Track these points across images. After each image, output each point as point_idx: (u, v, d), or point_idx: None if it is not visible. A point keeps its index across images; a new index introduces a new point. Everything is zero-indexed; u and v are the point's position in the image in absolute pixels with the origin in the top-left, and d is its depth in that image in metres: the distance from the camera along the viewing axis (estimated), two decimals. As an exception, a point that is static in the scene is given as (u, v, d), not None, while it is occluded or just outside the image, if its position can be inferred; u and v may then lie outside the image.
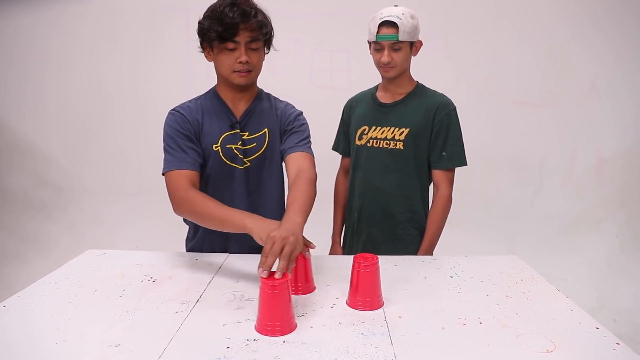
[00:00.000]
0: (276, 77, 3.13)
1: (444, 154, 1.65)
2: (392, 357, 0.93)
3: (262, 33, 1.36)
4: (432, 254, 1.66)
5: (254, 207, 1.43)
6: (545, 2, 3.02)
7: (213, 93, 1.48)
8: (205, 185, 1.44)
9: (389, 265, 1.42)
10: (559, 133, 3.15)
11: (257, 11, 1.35)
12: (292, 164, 1.43)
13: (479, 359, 0.94)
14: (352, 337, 1.02)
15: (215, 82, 1.50)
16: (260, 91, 1.53)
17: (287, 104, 1.57)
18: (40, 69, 3.31)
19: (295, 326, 1.05)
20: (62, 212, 3.45)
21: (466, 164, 1.67)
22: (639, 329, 2.56)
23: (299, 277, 1.20)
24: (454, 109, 1.66)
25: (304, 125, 1.53)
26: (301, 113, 1.56)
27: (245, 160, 1.46)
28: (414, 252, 1.67)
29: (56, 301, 1.19)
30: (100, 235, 3.29)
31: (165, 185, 1.37)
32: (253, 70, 1.39)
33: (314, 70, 3.12)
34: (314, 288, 1.23)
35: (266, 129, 1.48)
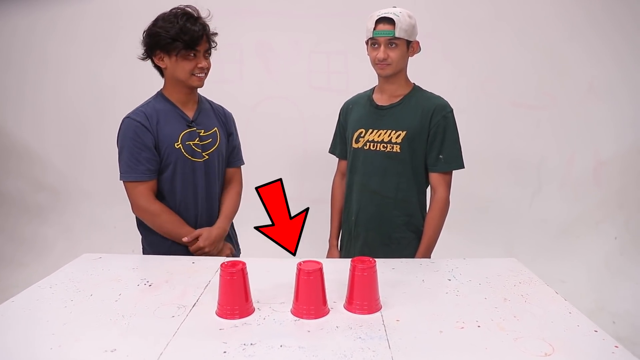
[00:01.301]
0: (273, 78, 3.13)
1: (441, 156, 1.64)
2: (390, 361, 0.93)
3: (213, 42, 1.61)
4: (429, 258, 1.66)
5: (210, 194, 1.69)
6: (543, 4, 3.02)
7: (161, 97, 1.64)
8: (171, 178, 1.61)
9: (387, 269, 1.42)
10: (557, 135, 3.14)
11: (208, 25, 1.57)
12: (228, 174, 1.80)
13: (477, 363, 0.93)
14: (350, 341, 1.01)
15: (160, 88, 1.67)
16: (199, 94, 1.72)
17: (220, 105, 1.81)
18: (37, 71, 3.28)
19: (253, 310, 1.14)
20: (59, 216, 3.43)
21: (463, 167, 1.66)
22: (639, 332, 2.55)
23: (313, 300, 1.13)
24: (451, 111, 1.65)
25: (236, 131, 1.81)
26: (232, 115, 1.82)
27: (204, 154, 1.65)
28: (412, 256, 1.66)
29: (51, 306, 1.18)
30: (97, 239, 3.28)
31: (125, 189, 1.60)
32: (206, 74, 1.60)
33: (311, 72, 3.12)
34: (328, 311, 1.15)
35: (216, 128, 1.70)
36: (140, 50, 1.60)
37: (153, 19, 1.57)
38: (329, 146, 1.92)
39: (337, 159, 1.91)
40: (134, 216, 1.66)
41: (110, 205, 3.34)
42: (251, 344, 1.00)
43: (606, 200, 3.15)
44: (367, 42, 1.63)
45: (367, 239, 1.73)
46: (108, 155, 3.30)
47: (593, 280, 2.97)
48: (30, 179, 3.46)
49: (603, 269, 3.03)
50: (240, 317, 1.11)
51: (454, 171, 1.68)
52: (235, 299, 1.11)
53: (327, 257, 1.88)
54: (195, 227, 1.66)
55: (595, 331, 1.05)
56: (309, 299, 1.12)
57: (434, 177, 1.67)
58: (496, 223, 3.18)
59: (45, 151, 3.41)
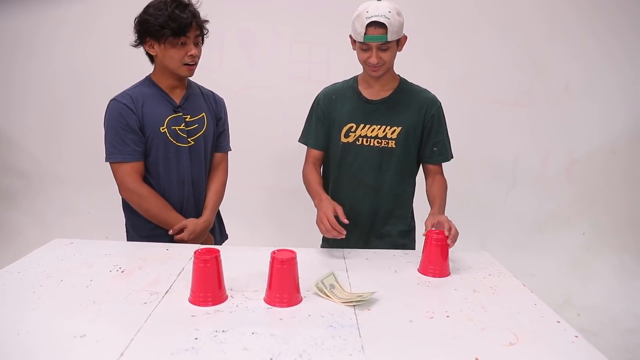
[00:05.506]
0: (255, 68, 3.11)
1: (435, 149, 1.68)
2: (360, 349, 0.94)
3: (204, 30, 1.59)
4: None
5: (196, 179, 1.69)
6: (525, 2, 3.07)
7: (149, 81, 1.64)
8: (156, 162, 1.61)
9: (361, 259, 1.44)
10: (533, 133, 3.20)
11: (198, 12, 1.56)
12: (215, 159, 1.80)
13: (444, 351, 0.96)
14: (321, 329, 1.02)
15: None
16: (189, 80, 1.70)
17: (211, 91, 1.80)
18: (9, 51, 3.18)
19: (226, 298, 1.15)
20: (31, 201, 3.33)
21: (453, 157, 1.73)
22: (602, 324, 2.65)
23: (286, 288, 1.14)
24: (440, 104, 1.70)
25: (226, 116, 1.82)
26: (223, 100, 1.82)
27: (189, 139, 1.65)
28: (404, 247, 1.69)
29: (19, 291, 1.17)
30: (70, 225, 3.21)
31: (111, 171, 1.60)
32: (196, 63, 1.59)
33: (293, 62, 3.10)
34: (301, 300, 1.16)
35: (204, 114, 1.69)
36: (120, 36, 1.58)
37: (128, 4, 1.54)
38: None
39: (308, 148, 1.77)
40: (108, 203, 1.66)
41: (84, 191, 3.28)
42: (223, 331, 1.00)
43: (578, 197, 3.24)
44: (352, 39, 1.59)
45: (361, 232, 1.72)
46: (83, 140, 3.25)
47: (562, 274, 3.06)
48: (1, 162, 3.36)
49: (571, 264, 3.12)
50: (212, 305, 1.11)
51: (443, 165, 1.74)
52: (208, 286, 1.12)
53: (320, 214, 1.49)
54: (182, 212, 1.67)
55: (558, 322, 1.09)
56: (282, 287, 1.13)
57: (431, 168, 1.72)
58: (471, 218, 3.22)
59: (17, 135, 3.31)
